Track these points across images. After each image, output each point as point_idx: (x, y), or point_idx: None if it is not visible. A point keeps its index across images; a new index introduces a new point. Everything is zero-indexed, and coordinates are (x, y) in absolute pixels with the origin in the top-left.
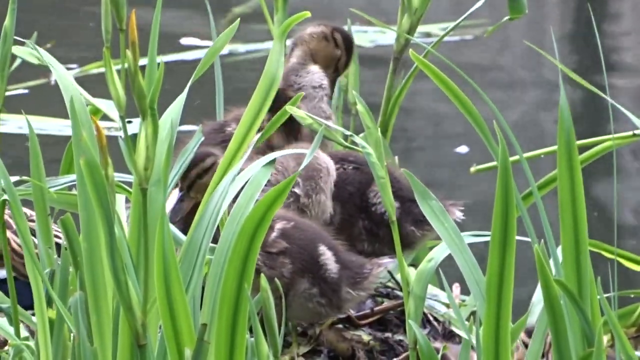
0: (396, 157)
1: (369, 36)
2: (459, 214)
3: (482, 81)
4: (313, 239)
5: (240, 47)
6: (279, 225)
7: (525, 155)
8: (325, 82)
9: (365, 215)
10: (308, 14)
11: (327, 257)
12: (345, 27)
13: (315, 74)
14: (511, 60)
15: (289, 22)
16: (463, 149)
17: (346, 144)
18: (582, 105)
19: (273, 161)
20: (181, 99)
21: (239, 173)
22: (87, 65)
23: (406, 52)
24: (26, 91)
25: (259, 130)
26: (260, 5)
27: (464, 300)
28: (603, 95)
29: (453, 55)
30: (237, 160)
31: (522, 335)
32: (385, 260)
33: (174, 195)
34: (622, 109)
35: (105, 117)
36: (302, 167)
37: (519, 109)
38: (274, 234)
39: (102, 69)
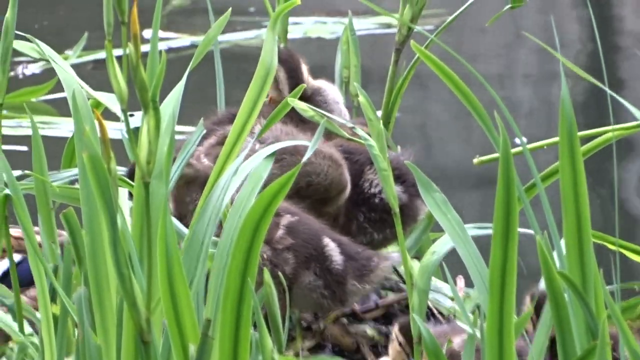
0: (398, 147)
1: (328, 27)
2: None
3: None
4: (317, 232)
5: (186, 41)
6: (284, 222)
7: (529, 146)
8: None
9: (366, 208)
10: (298, 1)
11: (332, 248)
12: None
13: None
14: (497, 49)
15: (279, 12)
16: None
17: (348, 135)
18: (590, 94)
19: (274, 153)
20: (179, 89)
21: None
22: (71, 54)
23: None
24: None
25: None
26: None
27: (468, 293)
28: (603, 87)
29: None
30: (236, 151)
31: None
32: (394, 254)
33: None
34: (622, 100)
35: (107, 113)
36: (305, 158)
37: (520, 98)
38: (280, 232)
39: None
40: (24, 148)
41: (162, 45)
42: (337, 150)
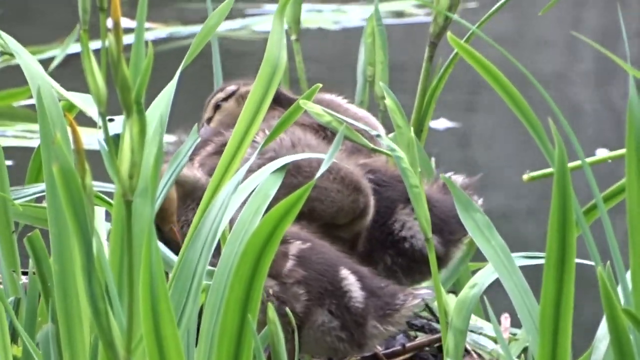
0: (432, 159)
1: (328, 16)
2: (479, 201)
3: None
4: (334, 262)
5: (182, 30)
6: (294, 250)
7: (589, 159)
8: None
9: (394, 252)
10: None
11: (351, 282)
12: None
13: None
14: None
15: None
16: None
17: (372, 146)
18: None
19: (284, 167)
20: (170, 89)
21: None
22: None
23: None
24: None
25: None
26: None
27: (514, 334)
28: None
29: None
30: (237, 162)
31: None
32: (423, 291)
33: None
34: None
35: (82, 117)
36: (320, 171)
37: (572, 101)
38: (289, 262)
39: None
40: (8, 162)
41: (131, 39)
42: (359, 169)
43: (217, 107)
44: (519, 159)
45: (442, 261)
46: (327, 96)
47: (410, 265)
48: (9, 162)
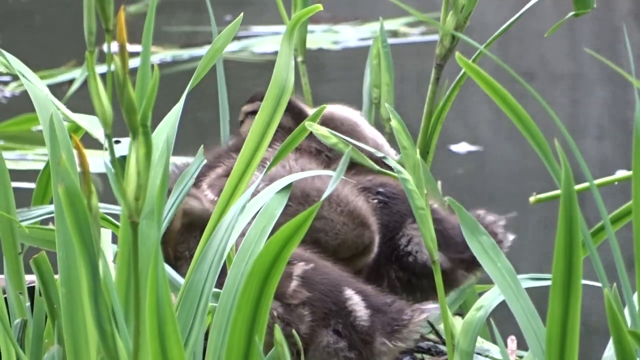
0: (439, 182)
1: (322, 36)
2: (509, 238)
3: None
4: (337, 282)
5: (184, 53)
6: (297, 271)
7: (597, 181)
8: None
9: (397, 266)
10: (320, 7)
11: (355, 302)
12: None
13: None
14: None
15: (297, 18)
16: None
17: (378, 167)
18: None
19: (289, 186)
20: (176, 112)
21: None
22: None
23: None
24: None
25: None
26: (152, 4)
27: (521, 357)
28: None
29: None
30: (244, 185)
31: None
32: (430, 305)
33: None
34: None
35: (88, 139)
36: (326, 193)
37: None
38: (294, 283)
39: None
40: (31, 185)
41: (136, 62)
42: (365, 199)
43: (248, 115)
44: (538, 181)
45: (448, 279)
46: (339, 113)
47: (412, 281)
48: (31, 185)
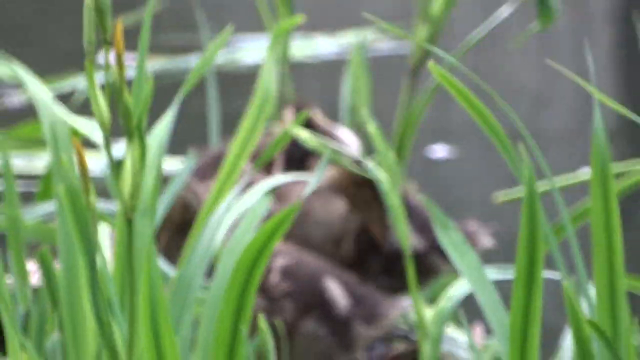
0: (410, 183)
1: (300, 46)
2: (489, 241)
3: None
4: (317, 274)
5: (171, 62)
6: (278, 263)
7: (557, 183)
8: None
9: (379, 254)
10: (300, 19)
11: (335, 291)
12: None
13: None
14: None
15: (281, 30)
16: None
17: (356, 169)
18: (623, 126)
19: (274, 190)
20: (169, 116)
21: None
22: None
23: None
24: None
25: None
26: (148, 12)
27: (487, 344)
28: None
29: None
30: (229, 185)
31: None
32: (404, 302)
33: None
34: None
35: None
36: (306, 192)
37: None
38: (276, 277)
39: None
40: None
41: (130, 70)
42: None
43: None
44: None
45: (425, 264)
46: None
47: (393, 267)
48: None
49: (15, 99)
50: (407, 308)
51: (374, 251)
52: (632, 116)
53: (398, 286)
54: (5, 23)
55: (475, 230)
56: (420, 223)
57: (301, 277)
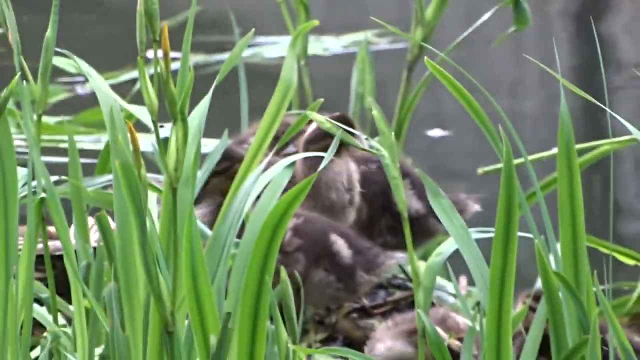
0: (409, 160)
1: (314, 45)
2: (476, 207)
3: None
4: (324, 230)
5: (208, 58)
6: (290, 225)
7: (530, 157)
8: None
9: (389, 214)
10: (317, 22)
11: (340, 244)
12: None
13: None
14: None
15: (300, 31)
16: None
17: (363, 147)
18: (584, 108)
19: (293, 163)
20: (205, 102)
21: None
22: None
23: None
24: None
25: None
26: (190, 17)
27: (470, 292)
28: (601, 105)
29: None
30: (256, 162)
31: (532, 302)
32: (398, 255)
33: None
34: (619, 117)
35: (139, 125)
36: (320, 168)
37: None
38: (288, 234)
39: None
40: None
41: (175, 65)
42: (366, 165)
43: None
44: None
45: (424, 226)
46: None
47: (397, 227)
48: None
49: (84, 88)
50: (401, 260)
51: (383, 214)
52: (591, 99)
53: (403, 244)
54: (77, 29)
55: (465, 198)
56: (420, 190)
57: (310, 233)
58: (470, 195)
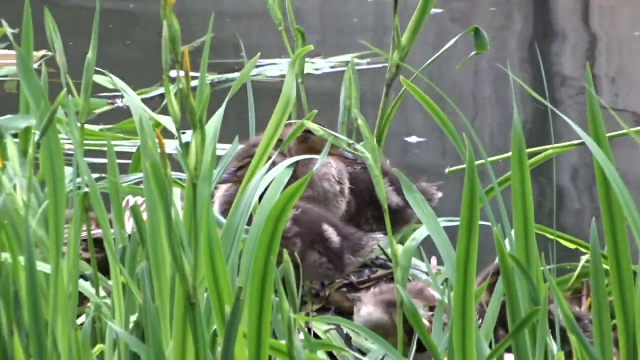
0: (387, 161)
1: (309, 65)
2: (440, 194)
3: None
4: (317, 220)
5: (221, 77)
6: (290, 215)
7: (489, 159)
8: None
9: (373, 207)
10: (312, 47)
11: (330, 232)
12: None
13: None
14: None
15: (298, 54)
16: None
17: (350, 150)
18: (533, 120)
19: (293, 164)
20: (220, 113)
21: (266, 173)
22: (144, 89)
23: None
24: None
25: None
26: (207, 43)
27: (439, 270)
28: (554, 109)
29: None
30: (262, 163)
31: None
32: (378, 235)
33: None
34: (569, 120)
35: (165, 132)
36: (314, 168)
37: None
38: (288, 223)
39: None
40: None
41: (194, 82)
42: (352, 166)
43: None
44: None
45: (402, 216)
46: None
47: (381, 217)
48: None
49: (124, 102)
50: (381, 239)
51: (368, 206)
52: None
53: (385, 230)
54: (113, 55)
55: (429, 186)
56: (398, 187)
57: (306, 222)
58: (431, 184)
